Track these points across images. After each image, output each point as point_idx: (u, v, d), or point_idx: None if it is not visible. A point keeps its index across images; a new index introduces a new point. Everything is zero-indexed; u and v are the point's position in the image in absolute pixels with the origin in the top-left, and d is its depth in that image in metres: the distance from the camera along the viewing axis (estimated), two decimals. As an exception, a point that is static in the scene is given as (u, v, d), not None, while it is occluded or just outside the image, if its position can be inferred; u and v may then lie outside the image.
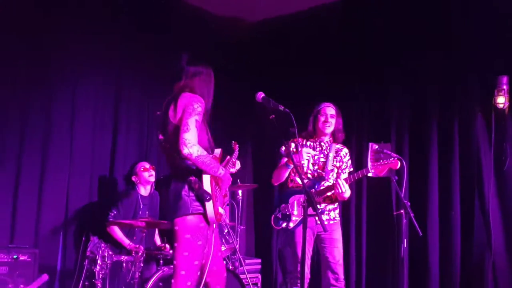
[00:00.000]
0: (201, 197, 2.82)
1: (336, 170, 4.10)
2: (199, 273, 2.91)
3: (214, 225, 2.97)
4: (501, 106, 4.81)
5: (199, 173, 2.84)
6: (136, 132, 5.31)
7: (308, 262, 3.87)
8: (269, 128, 3.21)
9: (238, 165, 3.39)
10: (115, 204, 4.53)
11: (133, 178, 4.69)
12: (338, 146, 4.17)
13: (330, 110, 4.07)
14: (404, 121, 5.39)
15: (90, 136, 4.95)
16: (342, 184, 3.83)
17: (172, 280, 2.87)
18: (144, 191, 4.71)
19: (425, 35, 5.17)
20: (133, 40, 5.13)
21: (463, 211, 4.90)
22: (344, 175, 4.07)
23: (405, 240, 4.02)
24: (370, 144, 5.22)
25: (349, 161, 4.19)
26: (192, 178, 2.83)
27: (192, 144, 2.71)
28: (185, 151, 2.71)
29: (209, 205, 2.83)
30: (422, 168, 5.12)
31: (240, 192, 4.96)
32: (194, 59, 3.10)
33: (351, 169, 4.15)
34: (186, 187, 2.85)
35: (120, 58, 5.15)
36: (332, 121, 4.06)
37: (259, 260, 5.81)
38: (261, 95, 3.12)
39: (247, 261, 5.56)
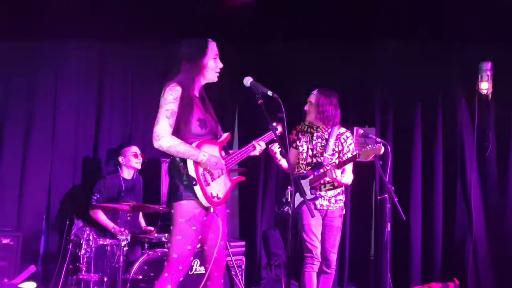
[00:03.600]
0: (189, 183, 2.85)
1: (337, 155, 4.07)
2: (192, 258, 2.92)
3: (211, 209, 2.97)
4: (484, 92, 4.88)
5: (185, 160, 2.87)
6: (120, 114, 5.22)
7: (319, 245, 3.94)
8: (257, 113, 3.19)
9: (258, 147, 3.23)
10: (97, 188, 4.50)
11: (120, 159, 4.64)
12: (341, 130, 4.12)
13: (310, 97, 4.09)
14: (389, 105, 5.42)
15: (74, 119, 4.86)
16: (333, 170, 3.84)
17: (165, 263, 2.90)
18: (128, 174, 4.67)
19: (410, 20, 5.17)
20: (116, 18, 5.02)
21: (445, 195, 4.99)
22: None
23: (388, 224, 4.09)
24: (355, 128, 5.27)
25: (352, 145, 4.13)
26: (181, 165, 2.87)
27: (160, 136, 2.79)
28: (155, 144, 2.81)
29: (197, 190, 2.85)
30: (406, 153, 5.18)
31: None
32: (185, 40, 3.06)
33: (355, 153, 4.05)
34: (178, 173, 2.89)
35: (102, 38, 5.04)
36: (311, 108, 4.06)
37: (243, 243, 5.83)
38: (249, 79, 3.08)
39: (231, 244, 5.58)
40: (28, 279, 3.94)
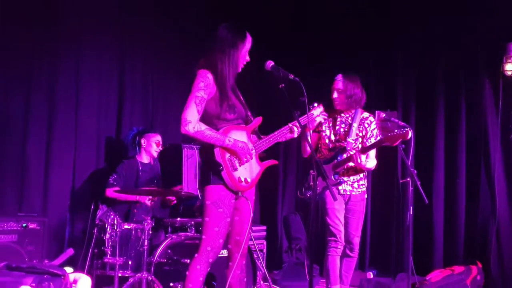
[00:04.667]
0: (216, 168, 2.91)
1: (360, 140, 4.04)
2: (221, 240, 2.97)
3: (239, 193, 3.01)
4: (509, 73, 4.79)
5: (212, 145, 2.92)
6: (140, 105, 5.28)
7: (342, 229, 3.94)
8: (278, 97, 3.19)
9: (296, 129, 3.22)
10: (116, 170, 4.58)
11: (142, 141, 4.70)
12: (364, 115, 4.08)
13: (338, 84, 3.99)
14: (411, 89, 5.38)
15: (96, 105, 4.92)
16: (359, 156, 3.79)
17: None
18: (146, 159, 4.73)
19: (433, 2, 5.09)
20: (136, 12, 5.06)
21: (468, 178, 4.94)
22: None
23: (411, 207, 4.06)
24: (377, 112, 5.20)
25: (375, 130, 4.08)
26: (208, 152, 2.93)
27: (187, 122, 2.84)
28: (182, 129, 2.87)
29: (224, 175, 2.92)
30: (429, 136, 5.13)
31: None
32: (225, 25, 3.06)
33: (378, 138, 4.03)
34: (207, 159, 2.96)
35: (122, 27, 5.08)
36: (341, 95, 3.98)
37: (264, 227, 5.86)
38: (270, 63, 3.08)
39: (253, 228, 5.61)
40: (66, 261, 4.02)
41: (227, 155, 2.95)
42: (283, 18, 6.01)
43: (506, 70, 4.76)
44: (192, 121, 2.85)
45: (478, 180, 4.86)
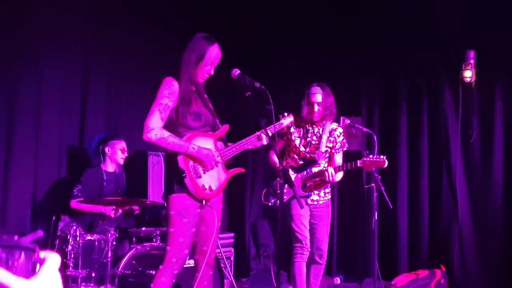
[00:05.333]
0: (179, 175, 2.88)
1: (329, 150, 4.03)
2: (186, 251, 2.93)
3: (204, 201, 2.96)
4: (468, 80, 4.91)
5: (175, 153, 2.90)
6: (104, 109, 5.18)
7: (308, 235, 3.94)
8: (244, 105, 3.19)
9: (264, 137, 3.16)
10: (80, 180, 4.46)
11: (106, 150, 4.58)
12: (333, 125, 4.06)
13: (317, 97, 3.93)
14: (375, 95, 5.46)
15: (58, 113, 4.79)
16: (331, 173, 3.78)
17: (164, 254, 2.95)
18: (111, 167, 4.63)
19: (395, 11, 5.18)
20: (100, 13, 4.96)
21: (431, 183, 5.03)
22: (339, 158, 4.04)
23: (375, 212, 4.12)
24: (341, 118, 5.27)
25: (343, 140, 4.09)
26: (172, 160, 2.91)
27: (150, 129, 2.83)
28: (144, 137, 2.86)
29: (187, 182, 2.88)
30: (392, 142, 5.22)
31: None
32: (197, 35, 3.06)
33: (345, 148, 4.08)
34: (171, 167, 2.94)
35: (86, 33, 4.98)
36: (318, 108, 3.93)
37: (232, 234, 5.84)
38: (236, 71, 3.07)
39: (220, 236, 5.58)
40: (34, 242, 3.87)
41: (191, 163, 2.92)
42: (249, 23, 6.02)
43: (465, 77, 4.88)
44: (154, 128, 2.83)
45: (440, 184, 4.96)
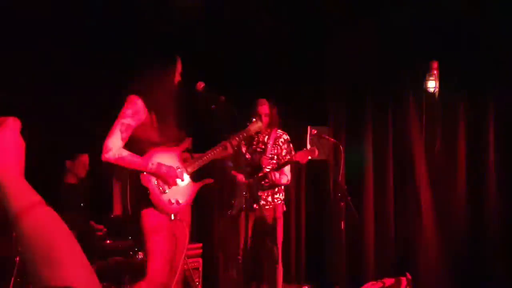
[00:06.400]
0: (143, 192, 2.88)
1: (276, 157, 4.24)
2: (169, 265, 2.92)
3: (172, 216, 2.96)
4: (431, 90, 5.00)
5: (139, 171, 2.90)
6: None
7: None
8: (210, 118, 3.19)
9: (229, 146, 3.21)
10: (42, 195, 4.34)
11: (68, 164, 4.50)
12: (278, 133, 4.30)
13: (264, 109, 4.21)
14: (342, 105, 5.50)
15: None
16: (273, 174, 4.03)
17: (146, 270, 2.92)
18: (73, 179, 4.55)
19: (358, 21, 5.24)
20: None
21: (396, 192, 5.10)
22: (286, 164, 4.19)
23: (342, 222, 4.16)
24: (309, 127, 5.30)
25: (289, 146, 4.29)
26: (135, 177, 2.90)
27: (108, 149, 2.79)
28: (102, 157, 2.81)
29: (152, 198, 2.88)
30: (359, 152, 5.26)
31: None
32: (154, 52, 3.05)
33: (293, 153, 4.26)
34: (135, 183, 2.92)
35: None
36: (267, 119, 4.20)
37: (200, 245, 5.80)
38: (201, 85, 3.07)
39: (188, 246, 5.53)
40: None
41: (153, 179, 2.92)
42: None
43: (429, 87, 4.97)
44: (113, 148, 2.80)
45: (405, 193, 5.03)
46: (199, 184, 3.18)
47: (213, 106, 3.02)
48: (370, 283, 4.62)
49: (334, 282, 5.05)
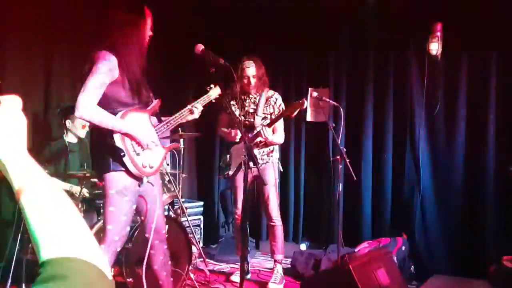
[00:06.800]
0: (117, 154, 2.80)
1: (269, 117, 4.33)
2: (128, 228, 2.92)
3: (145, 179, 2.95)
4: (434, 52, 4.95)
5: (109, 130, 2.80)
6: (69, 77, 5.06)
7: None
8: (209, 80, 3.20)
9: (196, 110, 3.22)
10: (43, 155, 4.37)
11: (67, 123, 4.50)
12: (269, 93, 4.38)
13: (251, 71, 4.24)
14: (342, 67, 5.48)
15: (19, 82, 4.65)
16: (265, 131, 4.12)
17: (102, 234, 2.89)
18: (73, 138, 4.56)
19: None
20: None
21: (395, 154, 5.14)
22: (279, 123, 4.32)
23: (340, 184, 4.23)
24: (309, 89, 5.33)
25: (281, 105, 4.38)
26: (108, 137, 2.80)
27: (83, 106, 2.66)
28: (76, 113, 2.69)
29: (126, 161, 2.81)
30: (359, 114, 5.28)
31: (181, 140, 4.94)
32: (116, 7, 2.94)
33: (280, 110, 4.37)
34: (105, 144, 2.82)
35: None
36: (254, 80, 4.26)
37: (201, 203, 5.92)
38: (200, 47, 3.06)
39: (189, 205, 5.66)
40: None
41: (128, 141, 2.84)
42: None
43: (431, 50, 4.92)
44: (87, 105, 2.67)
45: (404, 155, 5.07)
46: (168, 148, 3.20)
47: (212, 70, 3.00)
48: (366, 242, 4.73)
49: (331, 241, 5.17)
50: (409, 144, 5.05)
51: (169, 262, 3.24)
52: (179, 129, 4.68)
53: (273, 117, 4.30)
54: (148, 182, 2.99)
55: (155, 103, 3.08)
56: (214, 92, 3.37)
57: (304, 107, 4.10)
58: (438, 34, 4.93)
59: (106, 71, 2.73)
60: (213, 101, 3.39)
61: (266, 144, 4.30)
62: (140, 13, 2.90)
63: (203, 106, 3.30)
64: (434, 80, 5.00)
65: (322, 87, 5.45)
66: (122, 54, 2.79)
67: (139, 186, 2.95)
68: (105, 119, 2.73)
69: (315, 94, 4.42)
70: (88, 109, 2.67)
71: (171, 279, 3.28)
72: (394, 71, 5.16)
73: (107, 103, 2.78)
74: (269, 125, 4.18)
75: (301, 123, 5.59)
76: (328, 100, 4.44)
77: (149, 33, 2.95)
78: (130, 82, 2.85)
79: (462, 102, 4.83)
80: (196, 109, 3.22)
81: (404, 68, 5.10)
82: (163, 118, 3.16)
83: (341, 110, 4.34)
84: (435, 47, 4.95)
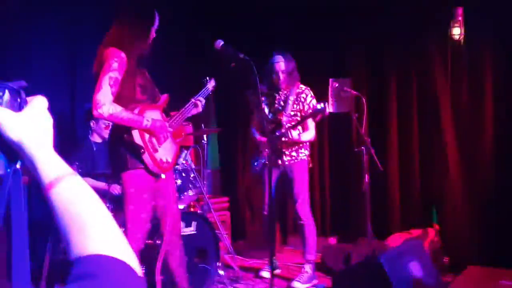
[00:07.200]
0: (136, 151, 2.81)
1: (299, 114, 4.22)
2: (148, 225, 2.96)
3: (162, 175, 2.97)
4: (456, 37, 4.85)
5: (128, 127, 2.81)
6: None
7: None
8: (230, 75, 3.20)
9: (199, 103, 3.25)
10: (73, 156, 4.41)
11: (91, 124, 4.55)
12: (299, 89, 4.27)
13: (281, 65, 4.18)
14: (363, 56, 5.41)
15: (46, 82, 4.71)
16: (290, 132, 4.07)
17: (123, 233, 2.92)
18: (98, 138, 4.61)
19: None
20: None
21: (421, 142, 5.05)
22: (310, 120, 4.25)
23: (366, 175, 4.18)
24: (330, 80, 5.26)
25: (312, 101, 4.27)
26: (125, 135, 2.82)
27: (101, 104, 2.66)
28: (95, 113, 2.69)
29: (146, 158, 2.83)
30: (382, 104, 5.21)
31: (204, 136, 4.96)
32: (131, 3, 2.97)
33: (302, 116, 4.29)
34: (122, 142, 2.84)
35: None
36: (283, 75, 4.20)
37: (226, 198, 5.92)
38: (220, 42, 3.06)
39: (214, 200, 5.67)
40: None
41: (147, 137, 2.85)
42: None
43: (454, 34, 4.82)
44: (106, 103, 2.66)
45: (431, 143, 4.98)
46: (179, 143, 3.22)
47: (232, 64, 3.00)
48: (397, 234, 4.67)
49: (360, 234, 5.12)
50: (435, 130, 4.95)
51: (185, 257, 3.25)
52: (202, 124, 4.71)
53: (302, 114, 4.23)
54: (162, 178, 3.01)
55: (164, 98, 3.11)
56: (211, 84, 3.44)
57: (327, 113, 4.01)
58: (460, 18, 4.83)
59: (118, 68, 2.73)
60: (210, 93, 3.43)
61: (293, 143, 4.23)
62: (150, 17, 2.94)
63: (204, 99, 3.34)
64: (458, 66, 4.90)
65: (343, 77, 5.38)
66: (130, 52, 2.81)
67: (155, 182, 2.97)
68: (124, 115, 2.73)
69: (336, 84, 4.39)
70: (106, 108, 2.67)
71: (187, 274, 3.28)
72: (417, 57, 5.06)
73: (120, 101, 2.78)
74: (294, 127, 4.12)
75: (323, 114, 5.53)
76: (349, 90, 4.39)
77: (153, 35, 3.00)
78: (139, 78, 2.88)
79: (488, 85, 4.72)
80: (199, 102, 3.25)
81: (426, 54, 5.00)
82: (171, 113, 3.19)
83: (363, 99, 4.28)
84: (457, 32, 4.85)
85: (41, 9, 4.61)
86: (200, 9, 5.83)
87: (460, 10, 4.77)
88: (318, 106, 4.01)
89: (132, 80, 2.82)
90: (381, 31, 5.22)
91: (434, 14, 4.91)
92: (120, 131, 2.81)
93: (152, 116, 2.89)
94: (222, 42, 3.04)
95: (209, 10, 5.82)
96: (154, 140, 2.90)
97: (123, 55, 2.76)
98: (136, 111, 2.82)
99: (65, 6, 4.78)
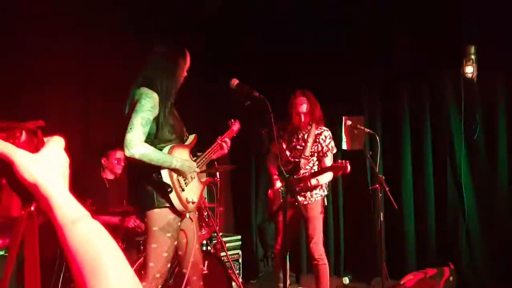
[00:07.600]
0: (163, 190, 2.81)
1: (316, 155, 4.19)
2: (169, 264, 2.92)
3: (187, 215, 2.96)
4: (469, 75, 4.87)
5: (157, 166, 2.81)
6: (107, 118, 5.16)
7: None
8: (244, 113, 3.21)
9: (225, 145, 3.30)
10: (84, 192, 4.40)
11: (103, 161, 4.56)
12: (319, 130, 4.20)
13: (303, 107, 4.13)
14: (376, 94, 5.44)
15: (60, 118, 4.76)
16: (309, 181, 4.02)
17: (143, 271, 2.87)
18: (110, 175, 4.61)
19: (395, 9, 5.14)
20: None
21: (436, 181, 5.00)
22: (328, 161, 4.20)
23: (381, 213, 4.13)
24: (344, 118, 5.28)
25: (331, 143, 4.22)
26: (154, 173, 2.82)
27: (133, 145, 2.68)
28: (127, 153, 2.69)
29: (173, 197, 2.82)
30: (395, 141, 5.19)
31: (217, 174, 4.95)
32: (156, 44, 3.01)
33: (335, 151, 4.25)
34: (150, 180, 2.83)
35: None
36: (306, 115, 4.16)
37: (239, 237, 5.86)
38: (235, 81, 3.07)
39: (227, 239, 5.61)
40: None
41: (175, 176, 2.86)
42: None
43: (466, 73, 4.84)
44: (137, 143, 2.69)
45: (445, 181, 4.94)
46: (205, 183, 3.22)
47: (247, 103, 3.01)
48: (412, 273, 4.57)
49: (375, 274, 5.02)
50: (449, 168, 4.91)
51: None
52: (215, 162, 4.70)
53: (320, 155, 4.17)
54: (189, 218, 3.00)
55: (193, 138, 3.12)
56: (235, 126, 3.51)
57: (348, 171, 3.88)
58: (473, 57, 4.86)
59: (150, 108, 2.76)
60: (234, 135, 3.47)
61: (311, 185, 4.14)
62: (182, 56, 2.97)
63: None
64: (471, 104, 4.89)
65: (356, 115, 5.40)
66: (161, 91, 2.83)
67: (180, 221, 2.95)
68: (155, 156, 2.74)
69: (349, 122, 4.39)
70: (138, 148, 2.69)
71: None
72: (430, 95, 5.07)
73: (149, 141, 2.80)
74: (312, 176, 4.06)
75: (337, 152, 5.52)
76: (362, 128, 4.38)
77: (185, 74, 3.02)
78: (168, 119, 2.88)
79: (501, 123, 4.70)
80: (225, 144, 3.27)
81: (439, 92, 5.02)
82: (198, 154, 3.19)
83: (377, 137, 4.28)
84: (470, 70, 4.87)
85: (54, 47, 4.71)
86: (222, 47, 5.93)
87: (472, 49, 4.80)
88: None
89: (163, 120, 2.85)
90: (395, 69, 5.25)
91: (447, 53, 4.94)
92: (147, 169, 2.80)
93: (181, 155, 2.91)
94: (237, 81, 3.06)
95: (228, 48, 5.92)
96: (181, 179, 2.91)
97: (155, 95, 2.79)
98: (166, 149, 2.84)
99: (79, 44, 4.89)
